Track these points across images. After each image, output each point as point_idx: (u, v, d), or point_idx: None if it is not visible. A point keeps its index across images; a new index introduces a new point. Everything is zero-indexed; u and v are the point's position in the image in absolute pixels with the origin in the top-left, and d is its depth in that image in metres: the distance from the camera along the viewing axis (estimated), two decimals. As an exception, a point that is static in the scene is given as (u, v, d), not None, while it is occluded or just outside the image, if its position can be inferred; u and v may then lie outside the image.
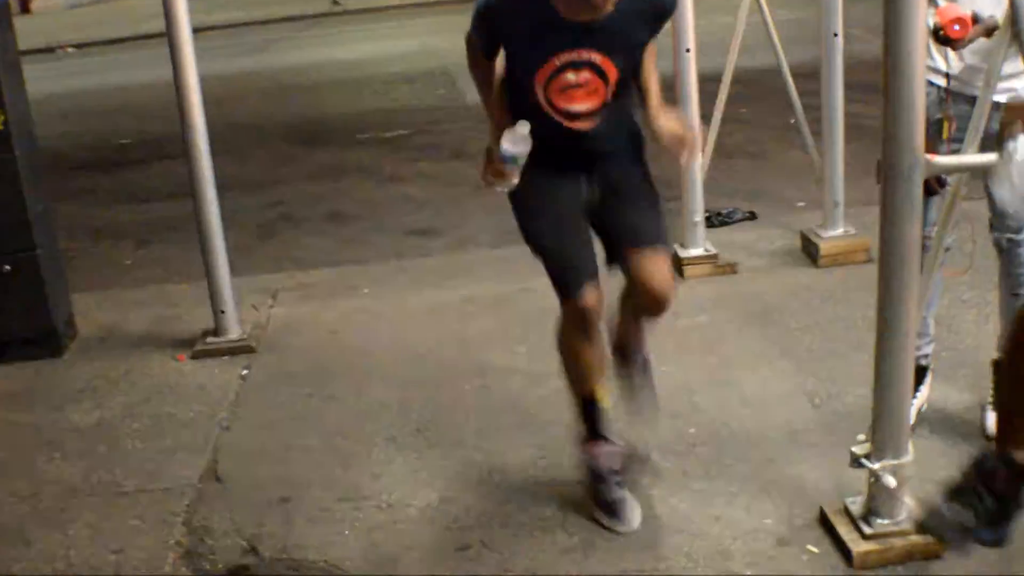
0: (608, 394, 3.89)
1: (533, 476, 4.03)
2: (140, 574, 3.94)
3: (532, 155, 3.59)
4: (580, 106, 3.53)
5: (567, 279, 3.70)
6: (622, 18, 3.38)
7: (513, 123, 3.58)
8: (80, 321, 6.29)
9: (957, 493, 3.27)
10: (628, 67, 3.56)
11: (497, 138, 3.62)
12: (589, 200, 3.80)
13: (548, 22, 3.41)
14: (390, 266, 6.93)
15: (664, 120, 3.65)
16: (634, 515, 3.87)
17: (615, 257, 3.85)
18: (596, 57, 3.43)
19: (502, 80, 3.82)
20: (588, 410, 3.90)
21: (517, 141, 3.50)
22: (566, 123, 3.57)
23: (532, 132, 3.54)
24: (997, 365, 4.23)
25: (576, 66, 3.44)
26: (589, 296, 3.66)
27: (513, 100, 3.74)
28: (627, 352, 4.17)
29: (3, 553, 4.16)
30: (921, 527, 3.64)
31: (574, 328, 3.76)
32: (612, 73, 3.47)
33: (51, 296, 6.00)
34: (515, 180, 3.63)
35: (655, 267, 3.74)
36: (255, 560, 3.97)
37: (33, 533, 4.27)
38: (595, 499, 3.93)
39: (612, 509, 3.88)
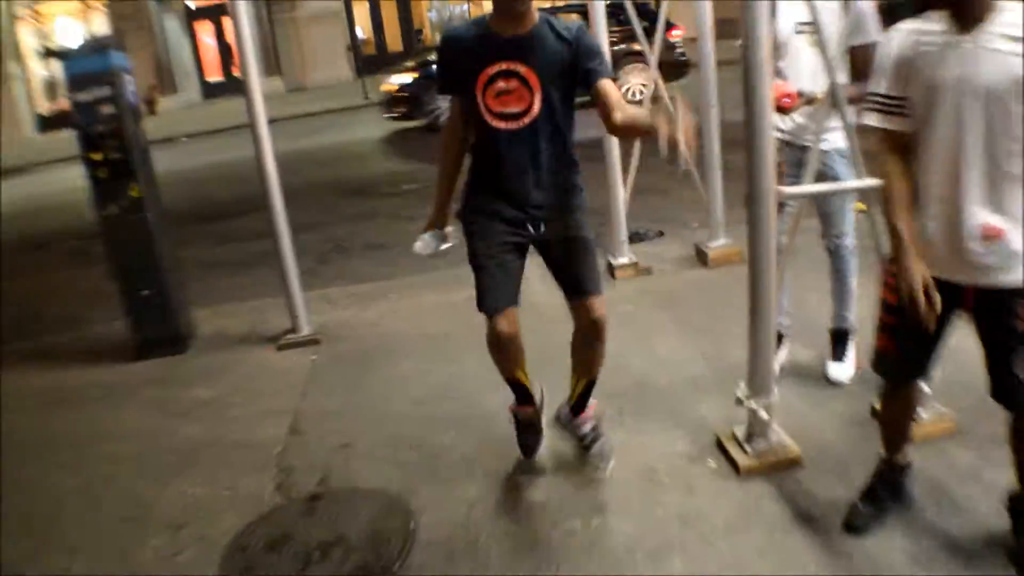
0: (525, 375, 3.68)
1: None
2: (247, 502, 3.91)
3: (485, 189, 3.50)
4: (510, 109, 3.26)
5: (486, 302, 3.47)
6: (540, 37, 3.24)
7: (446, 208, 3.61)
8: (198, 327, 6.24)
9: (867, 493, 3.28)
10: (551, 82, 3.25)
11: (432, 221, 3.65)
12: (531, 246, 3.56)
13: (485, 38, 3.29)
14: (409, 280, 6.89)
15: (629, 111, 3.18)
16: (539, 448, 3.84)
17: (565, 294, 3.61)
18: (521, 68, 3.21)
19: (456, 157, 3.59)
20: (512, 385, 3.72)
21: (427, 246, 3.55)
22: (502, 125, 3.30)
23: (481, 151, 3.45)
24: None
25: (506, 75, 3.24)
26: (500, 321, 3.43)
27: (470, 121, 3.43)
28: (575, 411, 3.84)
29: (149, 491, 4.12)
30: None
31: (490, 338, 3.50)
32: (535, 82, 3.23)
33: (176, 310, 5.95)
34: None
35: (592, 310, 3.52)
36: (326, 488, 3.96)
37: (169, 478, 4.23)
38: (517, 440, 3.85)
39: (525, 449, 3.85)
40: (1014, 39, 2.47)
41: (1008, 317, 2.69)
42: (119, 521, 3.91)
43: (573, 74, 3.26)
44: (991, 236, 2.63)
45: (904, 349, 2.98)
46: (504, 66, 3.23)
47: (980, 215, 2.64)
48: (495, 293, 3.46)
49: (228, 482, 4.11)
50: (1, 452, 4.75)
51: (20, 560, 3.71)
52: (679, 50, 16.09)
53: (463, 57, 3.33)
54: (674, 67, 15.09)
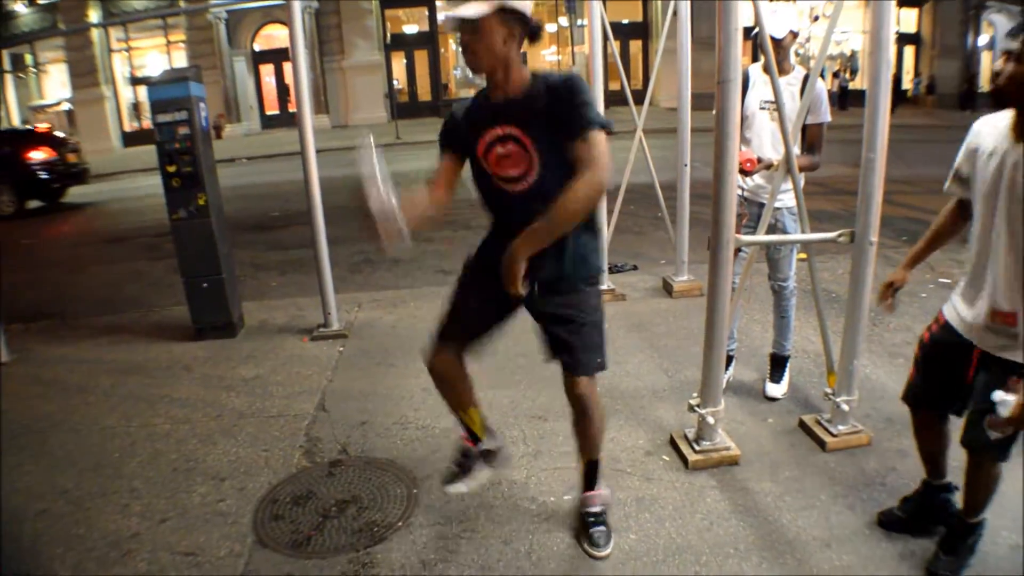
0: (474, 416, 3.21)
1: (510, 410, 4.03)
2: (280, 463, 3.94)
3: (489, 248, 2.88)
4: (512, 172, 2.70)
5: (437, 333, 3.05)
6: (533, 97, 2.62)
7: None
8: (247, 317, 6.27)
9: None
10: (548, 141, 2.60)
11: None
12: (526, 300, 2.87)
13: (481, 107, 2.78)
14: (426, 290, 6.91)
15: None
16: (466, 485, 3.23)
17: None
18: (515, 131, 2.65)
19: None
20: (459, 419, 3.23)
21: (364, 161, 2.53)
22: (507, 188, 2.74)
23: (489, 205, 2.88)
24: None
25: (502, 140, 2.68)
26: (438, 355, 3.05)
27: (478, 184, 2.85)
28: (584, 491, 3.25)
29: (200, 449, 4.15)
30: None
31: (431, 371, 3.11)
32: (529, 143, 2.63)
33: (230, 302, 5.97)
34: (401, 230, 2.50)
35: (573, 387, 2.91)
36: (345, 456, 3.98)
37: (217, 438, 4.26)
38: (454, 461, 3.28)
39: (457, 470, 3.25)
40: None
41: (995, 384, 2.52)
42: (173, 471, 3.94)
43: (570, 116, 2.59)
44: (1003, 322, 2.55)
45: (923, 378, 2.93)
46: (499, 131, 2.70)
47: (996, 300, 2.56)
48: (444, 329, 3.05)
49: (264, 446, 4.14)
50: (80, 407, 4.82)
51: (89, 496, 3.74)
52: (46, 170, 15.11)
53: (462, 129, 2.81)
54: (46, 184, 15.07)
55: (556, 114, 2.57)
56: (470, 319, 3.03)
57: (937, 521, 3.10)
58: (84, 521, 3.53)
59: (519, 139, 2.66)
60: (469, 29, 2.54)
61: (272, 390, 4.90)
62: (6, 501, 3.69)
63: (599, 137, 2.55)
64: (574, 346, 2.89)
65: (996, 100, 2.48)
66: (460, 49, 2.63)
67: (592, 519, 3.20)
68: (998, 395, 2.43)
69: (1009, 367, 2.53)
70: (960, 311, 2.74)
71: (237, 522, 3.44)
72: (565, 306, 2.88)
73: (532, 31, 2.66)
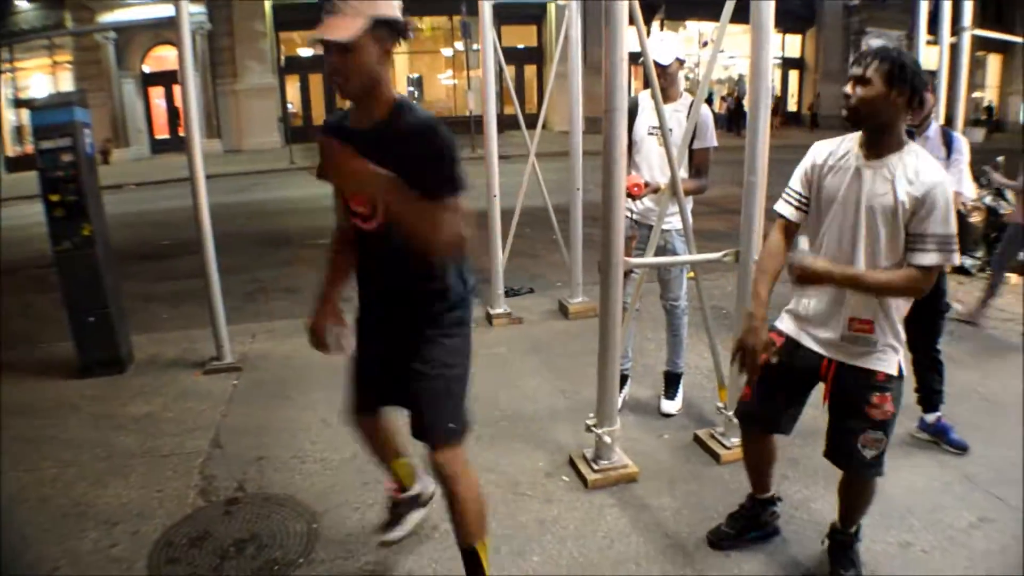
0: (402, 465, 3.15)
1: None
2: (174, 504, 3.79)
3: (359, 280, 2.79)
4: (360, 208, 2.48)
5: (348, 400, 2.95)
6: (389, 129, 2.37)
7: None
8: (136, 352, 6.01)
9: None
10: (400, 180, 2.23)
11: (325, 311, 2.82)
12: (391, 351, 2.69)
13: (343, 131, 2.43)
14: (324, 318, 6.80)
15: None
16: (401, 530, 3.16)
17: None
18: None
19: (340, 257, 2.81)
20: (387, 469, 3.15)
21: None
22: (359, 223, 2.53)
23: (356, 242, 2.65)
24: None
25: None
26: (357, 419, 2.98)
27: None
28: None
29: (89, 492, 3.95)
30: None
31: (356, 431, 3.02)
32: None
33: (118, 336, 5.71)
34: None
35: (433, 461, 2.61)
36: (242, 494, 3.87)
37: (107, 480, 4.06)
38: (387, 511, 3.24)
39: (390, 519, 3.20)
40: (898, 177, 2.50)
41: (860, 401, 2.65)
42: (62, 516, 3.73)
43: (423, 174, 2.27)
44: (859, 329, 2.64)
45: (760, 398, 2.92)
46: None
47: (852, 309, 2.64)
48: (355, 400, 2.95)
49: (158, 486, 3.98)
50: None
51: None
52: None
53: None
54: None
55: (419, 163, 2.28)
56: (375, 386, 2.87)
57: (764, 535, 3.24)
58: (-39, 575, 3.33)
59: None
60: (340, 50, 2.25)
61: (164, 427, 4.71)
62: None
63: (460, 203, 2.34)
64: (423, 407, 2.62)
65: (850, 122, 2.62)
66: (327, 72, 2.33)
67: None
68: (803, 241, 2.62)
69: (864, 379, 2.64)
70: (809, 327, 2.79)
71: (131, 568, 3.29)
72: (419, 354, 2.62)
73: (403, 34, 2.38)
